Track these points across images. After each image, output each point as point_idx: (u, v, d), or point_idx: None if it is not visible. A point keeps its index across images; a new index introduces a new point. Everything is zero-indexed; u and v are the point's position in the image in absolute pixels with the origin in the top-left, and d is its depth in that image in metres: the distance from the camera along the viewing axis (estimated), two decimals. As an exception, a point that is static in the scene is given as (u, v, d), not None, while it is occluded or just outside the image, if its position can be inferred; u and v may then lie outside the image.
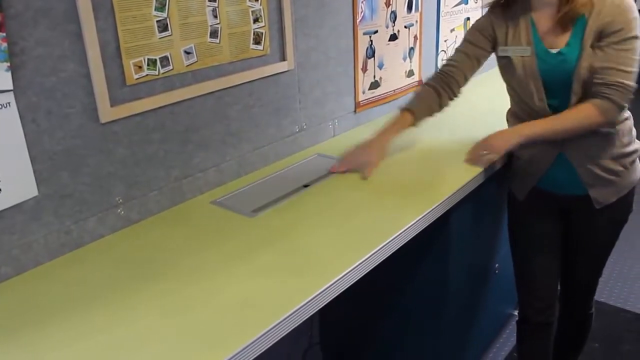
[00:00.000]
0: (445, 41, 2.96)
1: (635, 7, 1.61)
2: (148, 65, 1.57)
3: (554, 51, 1.69)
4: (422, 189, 1.79)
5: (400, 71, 2.61)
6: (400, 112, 1.92)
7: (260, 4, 1.85)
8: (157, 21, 1.56)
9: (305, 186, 1.81)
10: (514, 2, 1.77)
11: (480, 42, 1.87)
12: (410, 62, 2.67)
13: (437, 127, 2.39)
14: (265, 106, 1.94)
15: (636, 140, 1.81)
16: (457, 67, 1.91)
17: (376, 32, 2.39)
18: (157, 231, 1.58)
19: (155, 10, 1.55)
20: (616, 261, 2.63)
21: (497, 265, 2.35)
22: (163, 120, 1.64)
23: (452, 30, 3.01)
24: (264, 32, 1.88)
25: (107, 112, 1.48)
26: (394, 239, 1.48)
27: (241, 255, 1.42)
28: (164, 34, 1.59)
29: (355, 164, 1.89)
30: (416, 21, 2.65)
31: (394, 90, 2.58)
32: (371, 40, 2.37)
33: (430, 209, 1.63)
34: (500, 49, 1.81)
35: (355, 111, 2.36)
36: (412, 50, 2.66)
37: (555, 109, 1.72)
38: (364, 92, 2.39)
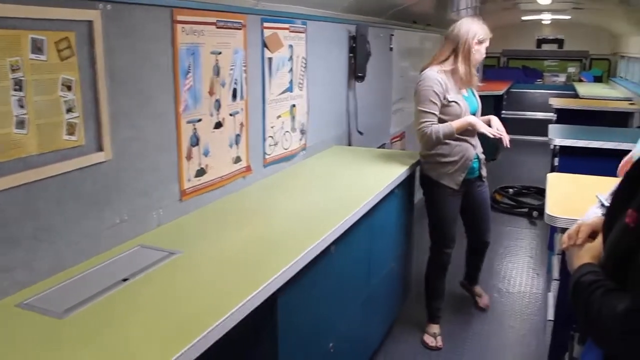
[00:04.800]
0: (272, 127, 3.06)
1: None
2: (-59, 159, 1.45)
3: (465, 94, 3.22)
4: (249, 269, 1.81)
5: (227, 158, 2.64)
6: None
7: (74, 94, 1.80)
8: (-48, 113, 1.47)
9: (125, 280, 1.73)
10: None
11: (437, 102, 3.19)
12: (237, 148, 2.72)
13: (267, 205, 2.44)
14: (81, 198, 1.86)
15: None
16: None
17: (200, 120, 2.41)
18: (-50, 343, 1.42)
19: (-51, 101, 1.46)
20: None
21: (331, 344, 2.38)
22: (-40, 219, 1.51)
23: (279, 116, 3.13)
24: (78, 122, 1.82)
25: None
26: (215, 327, 1.46)
27: (48, 361, 1.32)
28: (-40, 126, 1.49)
29: None
30: (242, 109, 2.73)
31: (221, 177, 2.60)
32: (195, 129, 2.39)
33: (254, 293, 1.64)
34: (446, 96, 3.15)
35: (181, 199, 2.34)
36: (238, 137, 2.72)
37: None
38: (189, 180, 2.38)
